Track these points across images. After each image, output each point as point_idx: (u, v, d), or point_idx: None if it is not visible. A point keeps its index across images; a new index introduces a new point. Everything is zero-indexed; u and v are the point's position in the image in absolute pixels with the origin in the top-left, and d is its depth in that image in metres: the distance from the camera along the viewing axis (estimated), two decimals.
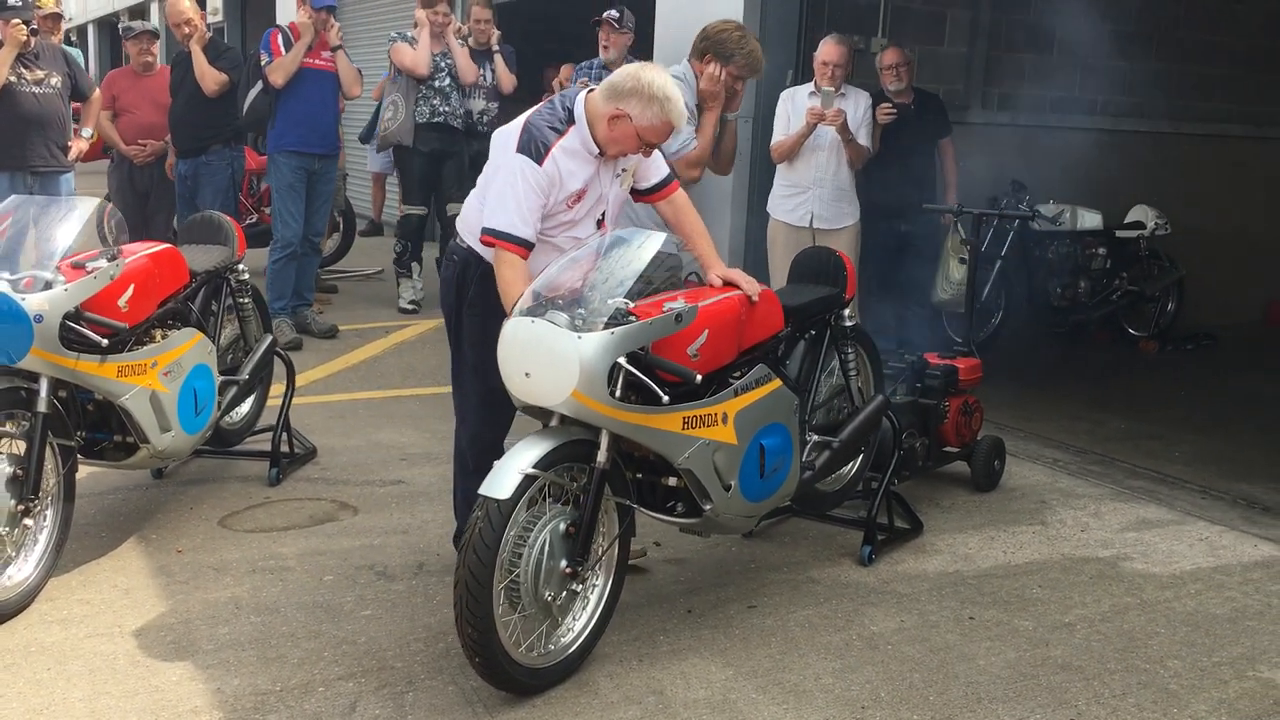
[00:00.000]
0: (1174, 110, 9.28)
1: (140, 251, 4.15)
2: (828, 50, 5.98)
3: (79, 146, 6.90)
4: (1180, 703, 3.29)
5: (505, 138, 3.56)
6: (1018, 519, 4.76)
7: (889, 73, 6.73)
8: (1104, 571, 4.23)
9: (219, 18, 18.21)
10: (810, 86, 6.09)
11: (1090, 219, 8.35)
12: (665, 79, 3.51)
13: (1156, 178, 8.79)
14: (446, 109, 7.89)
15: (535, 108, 3.63)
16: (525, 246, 3.48)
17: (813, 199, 6.17)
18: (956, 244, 6.79)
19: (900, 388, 4.98)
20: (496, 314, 3.44)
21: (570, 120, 3.54)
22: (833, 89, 5.90)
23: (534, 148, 3.47)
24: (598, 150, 3.55)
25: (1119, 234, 8.44)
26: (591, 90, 3.59)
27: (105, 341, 3.76)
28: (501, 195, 3.46)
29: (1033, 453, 5.69)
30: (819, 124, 5.89)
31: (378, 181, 11.66)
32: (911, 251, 6.86)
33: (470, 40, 8.11)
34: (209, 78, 7.20)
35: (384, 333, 7.79)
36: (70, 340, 3.66)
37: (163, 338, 4.13)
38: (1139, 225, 8.51)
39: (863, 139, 6.12)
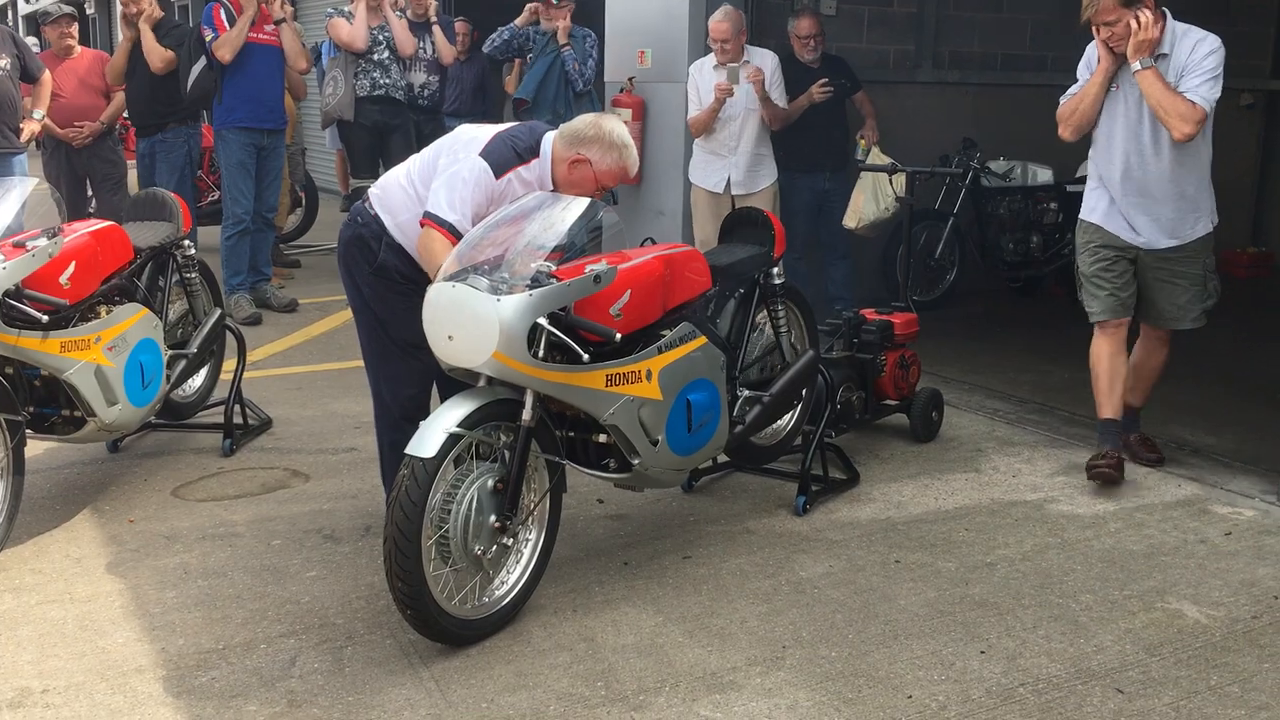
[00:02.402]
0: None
1: (81, 229, 4.24)
2: (712, 25, 6.23)
3: (31, 128, 6.95)
4: (1087, 634, 3.44)
5: (471, 139, 3.70)
6: (952, 467, 4.90)
7: (804, 42, 6.81)
8: (1029, 514, 4.38)
9: None
10: (713, 58, 6.27)
11: (1042, 174, 8.46)
12: (623, 128, 3.75)
13: None
14: (387, 81, 7.96)
15: (509, 126, 3.79)
16: (457, 237, 3.60)
17: (729, 165, 6.46)
18: (873, 181, 6.84)
19: (837, 343, 5.12)
20: (402, 276, 3.65)
21: (535, 153, 3.68)
22: (736, 66, 6.15)
23: (499, 161, 3.62)
24: (552, 188, 3.69)
25: (1070, 189, 8.52)
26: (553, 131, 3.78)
27: (45, 318, 3.85)
28: (452, 188, 3.58)
29: (975, 404, 5.83)
30: (727, 96, 6.16)
31: (342, 157, 11.70)
32: (831, 208, 7.01)
33: (408, 13, 8.18)
34: (155, 55, 7.26)
35: (343, 305, 7.77)
36: (12, 317, 3.75)
37: (107, 313, 4.23)
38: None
39: (775, 98, 6.31)
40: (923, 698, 3.11)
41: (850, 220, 6.91)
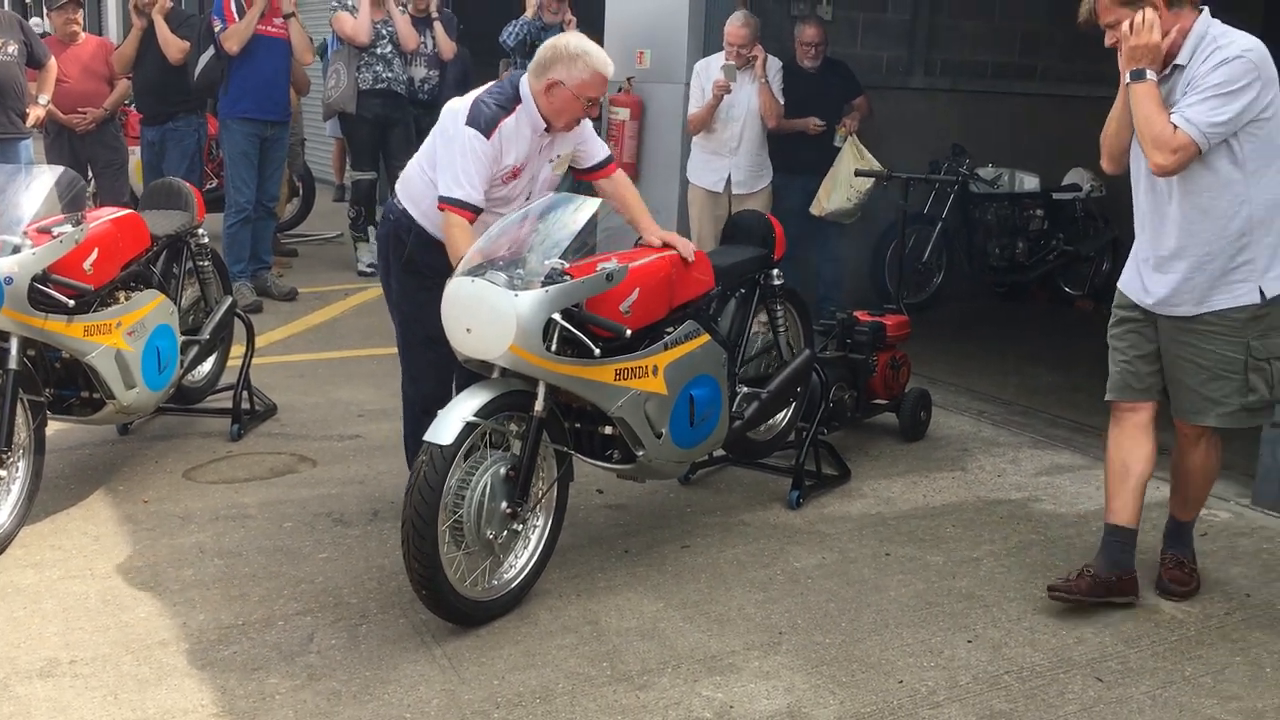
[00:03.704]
0: (1111, 76, 9.54)
1: (104, 217, 4.36)
2: (731, 30, 6.42)
3: (36, 113, 7.03)
4: (1069, 626, 3.61)
5: (455, 112, 3.82)
6: (940, 465, 5.07)
7: (806, 49, 6.96)
8: (1014, 512, 4.55)
9: None
10: (723, 57, 6.43)
11: (1028, 182, 8.65)
12: (579, 38, 3.82)
13: (1092, 141, 9.02)
14: (390, 75, 8.10)
15: (486, 86, 3.90)
16: (475, 211, 3.76)
17: (731, 165, 6.65)
18: (845, 173, 6.98)
19: (831, 343, 5.28)
20: (431, 270, 3.76)
21: (517, 99, 3.80)
22: (734, 64, 6.34)
23: (483, 122, 3.74)
24: (545, 125, 3.81)
25: (1056, 196, 8.73)
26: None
27: (72, 303, 3.96)
28: (452, 165, 3.73)
29: (962, 405, 6.00)
30: (726, 94, 6.39)
31: (340, 147, 11.80)
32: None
33: (410, 8, 8.31)
34: (173, 46, 7.37)
35: (343, 295, 8.00)
36: (39, 301, 3.87)
37: (126, 299, 4.35)
38: (1075, 188, 8.80)
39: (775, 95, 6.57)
40: (913, 683, 3.27)
41: (815, 207, 7.03)
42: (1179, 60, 3.48)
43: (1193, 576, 3.89)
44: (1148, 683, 3.30)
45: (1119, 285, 3.80)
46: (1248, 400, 3.58)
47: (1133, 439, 3.74)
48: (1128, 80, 3.50)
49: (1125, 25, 3.45)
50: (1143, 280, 3.68)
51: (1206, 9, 3.50)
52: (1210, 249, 3.51)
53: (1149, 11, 3.42)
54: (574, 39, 3.81)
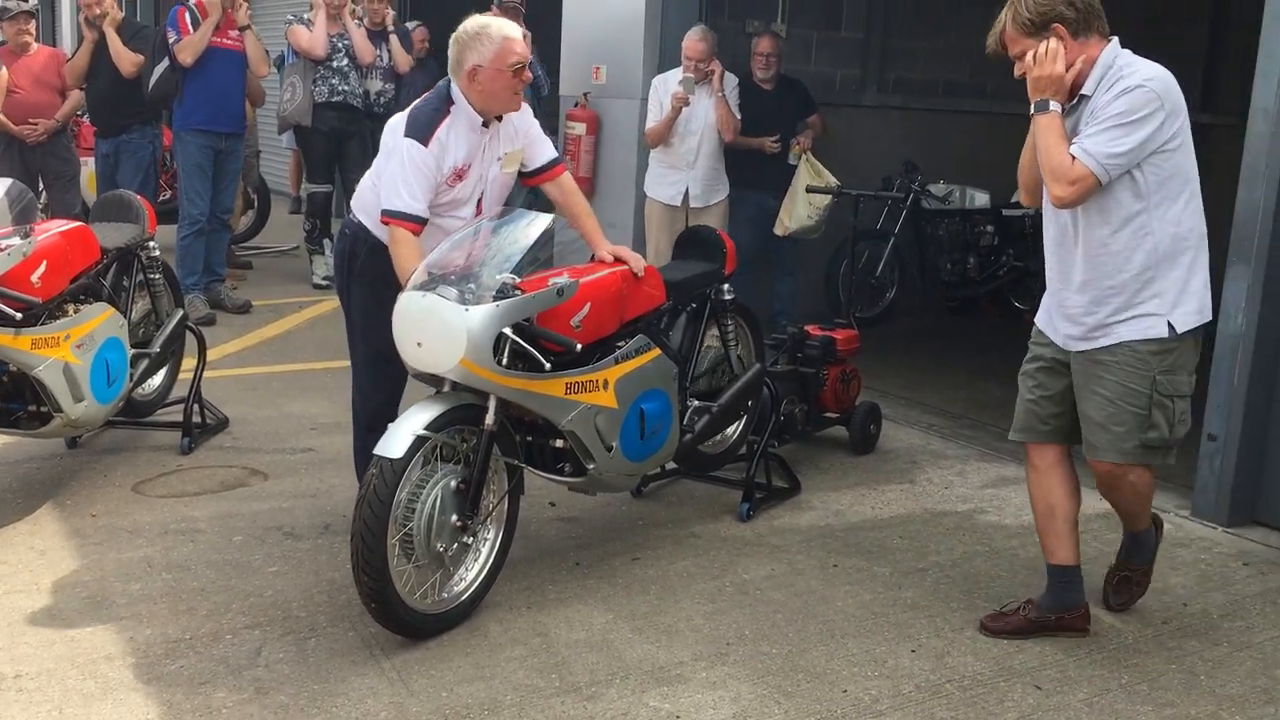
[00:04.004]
0: None
1: (52, 229, 4.35)
2: (689, 45, 6.52)
3: None
4: (1013, 635, 3.67)
5: (395, 125, 3.85)
6: (889, 478, 5.14)
7: (760, 59, 7.04)
8: (960, 524, 4.63)
9: None
10: (680, 72, 6.51)
11: (979, 198, 8.79)
12: (474, 19, 3.83)
13: None
14: (345, 88, 8.13)
15: (422, 97, 3.92)
16: (418, 222, 3.78)
17: (688, 178, 6.72)
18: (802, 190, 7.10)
19: (782, 357, 5.34)
20: (384, 284, 3.75)
21: (450, 100, 3.83)
22: (693, 78, 6.44)
23: (419, 130, 3.77)
24: (482, 119, 3.83)
25: (1006, 213, 8.87)
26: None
27: (19, 315, 3.95)
28: (393, 177, 3.76)
29: (911, 418, 6.09)
30: (684, 107, 6.46)
31: (296, 159, 11.77)
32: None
33: (366, 21, 8.33)
34: (125, 59, 7.34)
35: (298, 308, 7.98)
36: None
37: (75, 312, 4.33)
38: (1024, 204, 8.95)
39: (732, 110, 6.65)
40: (857, 692, 3.32)
41: (778, 227, 7.13)
42: (1085, 90, 3.37)
43: (1136, 589, 3.88)
44: (1085, 690, 3.37)
45: (1035, 321, 3.70)
46: (1147, 436, 3.45)
47: (1049, 478, 3.65)
48: (1032, 110, 3.39)
49: (1029, 56, 3.36)
50: (1052, 315, 3.59)
51: (1116, 39, 3.42)
52: (1114, 282, 3.40)
53: (1053, 41, 3.33)
54: (469, 23, 3.82)
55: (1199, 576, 4.21)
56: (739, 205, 7.03)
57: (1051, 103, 3.35)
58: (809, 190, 6.79)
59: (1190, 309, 3.42)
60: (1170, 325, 3.39)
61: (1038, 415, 3.65)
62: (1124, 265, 3.39)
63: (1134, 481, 3.59)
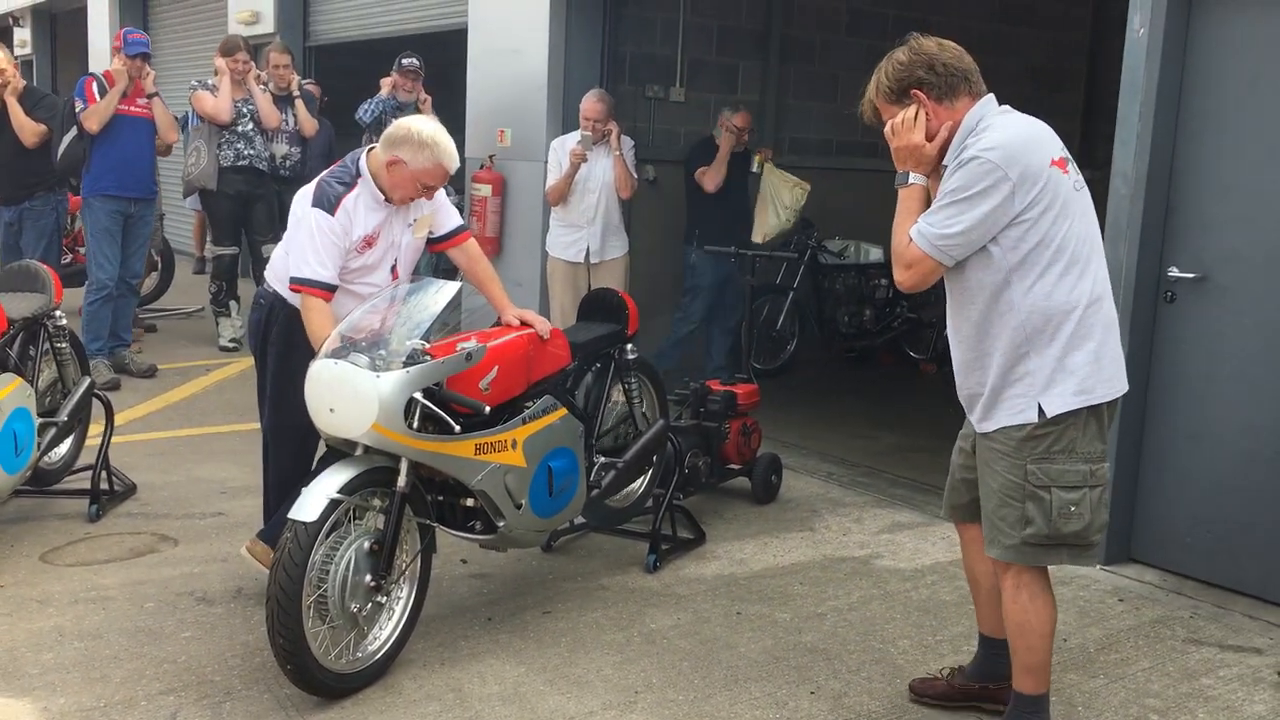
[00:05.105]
0: None
1: None
2: (587, 106, 6.86)
3: None
4: (905, 675, 3.88)
5: (304, 195, 3.99)
6: (790, 526, 5.34)
7: (740, 134, 7.45)
8: (857, 569, 4.84)
9: (27, 50, 17.80)
10: (578, 134, 6.83)
11: (873, 253, 9.15)
12: (435, 126, 3.99)
13: None
14: (251, 152, 8.22)
15: (330, 169, 4.07)
16: (328, 289, 3.91)
17: (587, 235, 7.00)
18: (770, 198, 7.68)
19: (685, 412, 5.54)
20: (296, 351, 3.88)
21: (358, 174, 3.98)
22: (590, 135, 6.78)
23: (327, 201, 3.92)
24: (384, 197, 3.99)
25: None
26: (373, 148, 4.05)
27: None
28: (302, 246, 3.89)
29: (811, 467, 6.32)
30: (582, 164, 6.81)
31: (200, 220, 11.74)
32: (734, 281, 7.49)
33: (271, 86, 8.43)
34: (27, 130, 7.33)
35: (204, 371, 7.97)
36: None
37: None
38: None
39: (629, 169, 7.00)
40: None
41: (756, 235, 7.58)
42: (947, 158, 3.07)
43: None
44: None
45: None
46: (1025, 534, 3.09)
47: (975, 553, 3.46)
48: (897, 182, 3.16)
49: (888, 126, 3.12)
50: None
51: (989, 96, 3.12)
52: (985, 361, 3.13)
53: (911, 109, 3.07)
54: (428, 126, 3.99)
55: (1078, 613, 4.46)
56: (700, 266, 7.45)
57: (912, 175, 3.12)
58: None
59: (1067, 389, 3.05)
60: (1040, 408, 3.06)
61: (954, 493, 3.49)
62: (994, 345, 3.11)
63: (1020, 592, 3.19)
